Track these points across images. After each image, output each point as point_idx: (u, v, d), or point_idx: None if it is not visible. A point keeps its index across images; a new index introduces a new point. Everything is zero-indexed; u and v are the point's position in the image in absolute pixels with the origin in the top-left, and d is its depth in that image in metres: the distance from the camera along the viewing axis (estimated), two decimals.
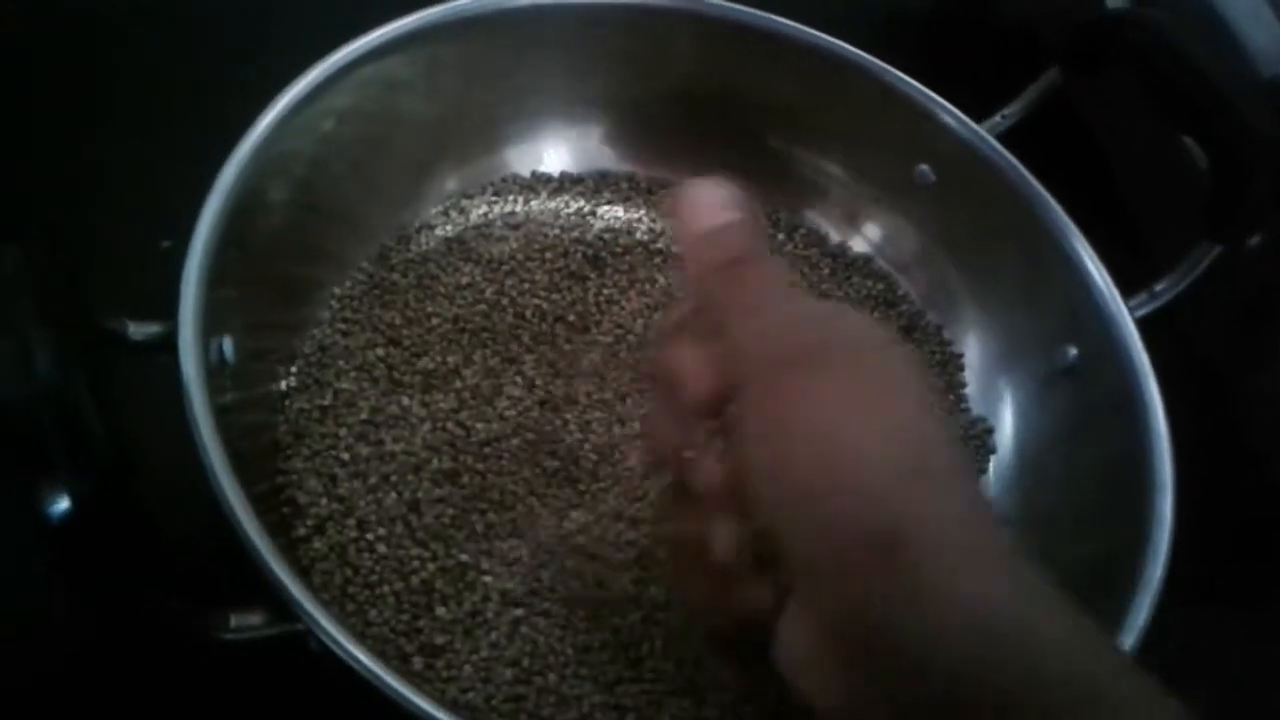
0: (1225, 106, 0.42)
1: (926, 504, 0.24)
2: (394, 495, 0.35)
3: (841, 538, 0.24)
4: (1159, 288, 0.43)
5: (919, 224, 0.47)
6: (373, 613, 0.33)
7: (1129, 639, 0.34)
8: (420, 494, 0.36)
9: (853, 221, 0.48)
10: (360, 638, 0.32)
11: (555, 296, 0.42)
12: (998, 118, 0.46)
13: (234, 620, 0.27)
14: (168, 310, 0.32)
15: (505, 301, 0.42)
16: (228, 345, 0.34)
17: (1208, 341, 0.48)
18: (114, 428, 0.27)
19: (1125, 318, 0.41)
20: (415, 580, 0.33)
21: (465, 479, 0.36)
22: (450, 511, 0.35)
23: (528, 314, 0.42)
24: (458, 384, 0.39)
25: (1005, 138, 0.45)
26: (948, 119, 0.45)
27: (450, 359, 0.40)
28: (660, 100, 0.47)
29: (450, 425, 0.38)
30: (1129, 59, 0.44)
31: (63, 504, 0.23)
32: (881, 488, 0.24)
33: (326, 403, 0.38)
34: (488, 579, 0.34)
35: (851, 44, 0.45)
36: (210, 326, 0.33)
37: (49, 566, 0.24)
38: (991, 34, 0.54)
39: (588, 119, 0.47)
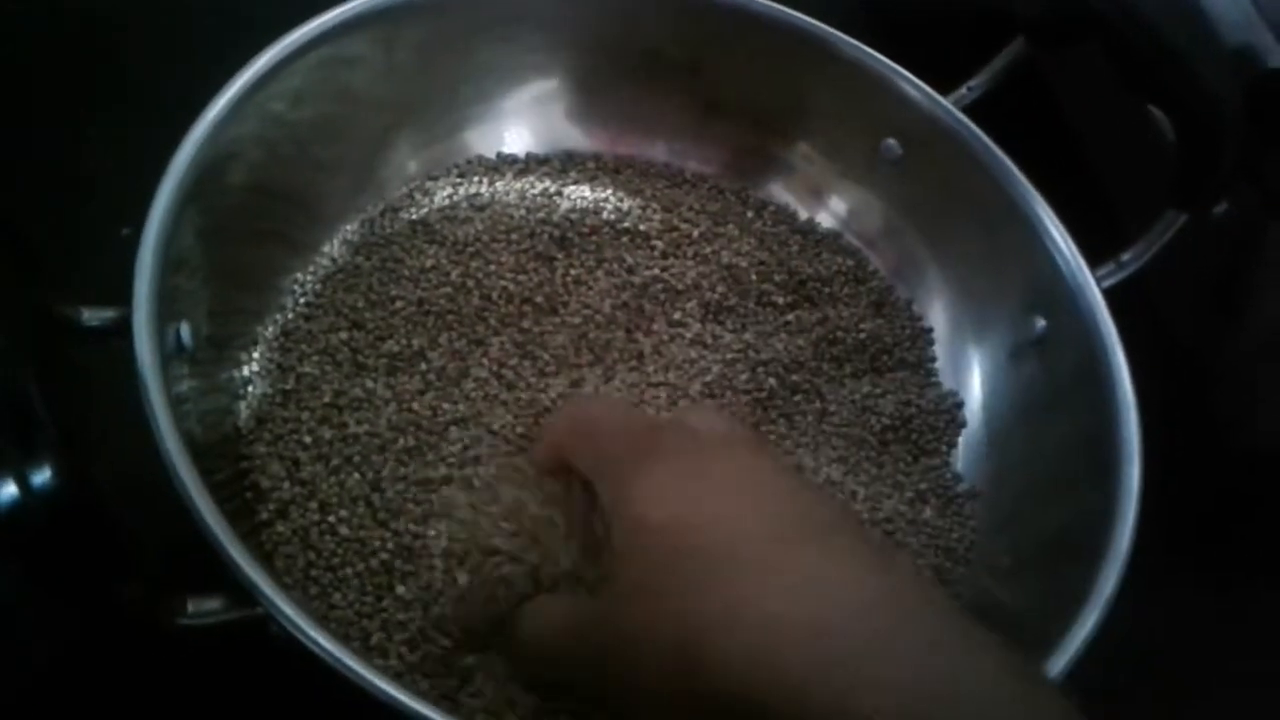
0: (1190, 76, 0.42)
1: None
2: (356, 476, 0.35)
3: None
4: (1125, 257, 0.43)
5: (886, 198, 0.47)
6: (336, 595, 0.33)
7: (1096, 610, 0.34)
8: (384, 472, 0.35)
9: (819, 197, 0.48)
10: (324, 621, 0.32)
11: (522, 278, 0.42)
12: (963, 90, 0.46)
13: (192, 605, 0.27)
14: (126, 295, 0.32)
15: (471, 284, 0.41)
16: (185, 331, 0.34)
17: (1174, 310, 0.48)
18: (71, 414, 0.27)
19: (1092, 288, 0.41)
20: (375, 561, 0.33)
21: (430, 456, 0.36)
22: (414, 488, 0.35)
23: (494, 296, 0.41)
24: (423, 366, 0.39)
25: (971, 110, 0.45)
26: (913, 92, 0.45)
27: (415, 341, 0.39)
28: (626, 78, 0.47)
29: (415, 406, 0.37)
30: (1095, 30, 0.44)
31: (10, 491, 0.23)
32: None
33: (289, 387, 0.37)
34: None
35: (816, 18, 0.45)
36: (167, 312, 0.33)
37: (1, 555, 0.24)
38: (956, 6, 0.54)
39: (552, 98, 0.47)
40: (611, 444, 0.31)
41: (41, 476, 0.23)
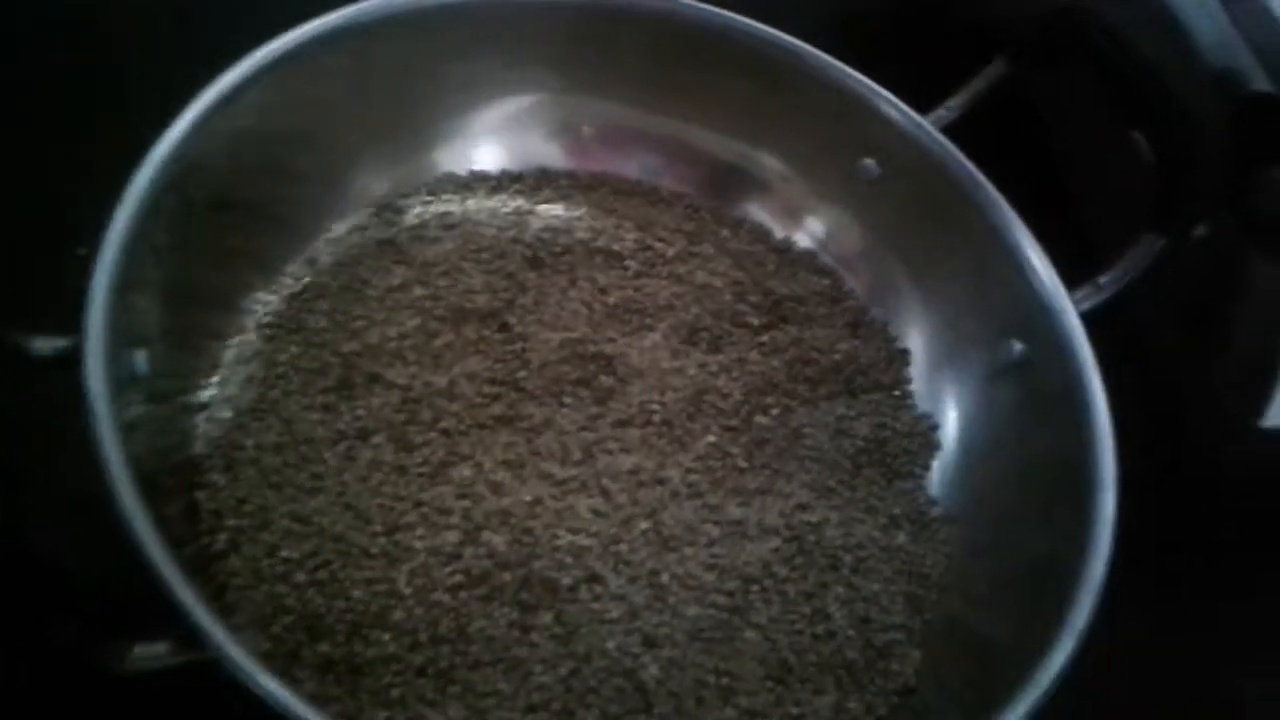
0: (1169, 99, 0.42)
1: None
2: (313, 503, 0.34)
3: None
4: (1103, 280, 0.42)
5: (863, 219, 0.46)
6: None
7: (1070, 641, 0.33)
8: (345, 499, 0.35)
9: (796, 216, 0.47)
10: (275, 657, 0.31)
11: (491, 298, 0.41)
12: (941, 110, 0.45)
13: (138, 650, 0.26)
14: (77, 323, 0.31)
15: (440, 306, 0.41)
16: (140, 358, 0.33)
17: (1153, 335, 0.47)
18: (15, 443, 0.26)
19: (1069, 312, 0.41)
20: (333, 588, 0.33)
21: (393, 479, 0.35)
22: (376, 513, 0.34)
23: (463, 315, 0.41)
24: (386, 391, 0.38)
25: (950, 130, 0.44)
26: (891, 112, 0.44)
27: (379, 365, 0.39)
28: (600, 96, 0.46)
29: (376, 433, 0.37)
30: (1075, 52, 0.43)
31: None
32: None
33: (246, 411, 0.37)
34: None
35: (794, 36, 0.45)
36: (122, 338, 0.32)
37: None
38: (936, 26, 0.54)
39: (526, 115, 0.46)
40: None
41: None
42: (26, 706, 0.28)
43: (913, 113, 0.44)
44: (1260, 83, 0.42)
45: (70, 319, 0.31)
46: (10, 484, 0.24)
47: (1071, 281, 0.41)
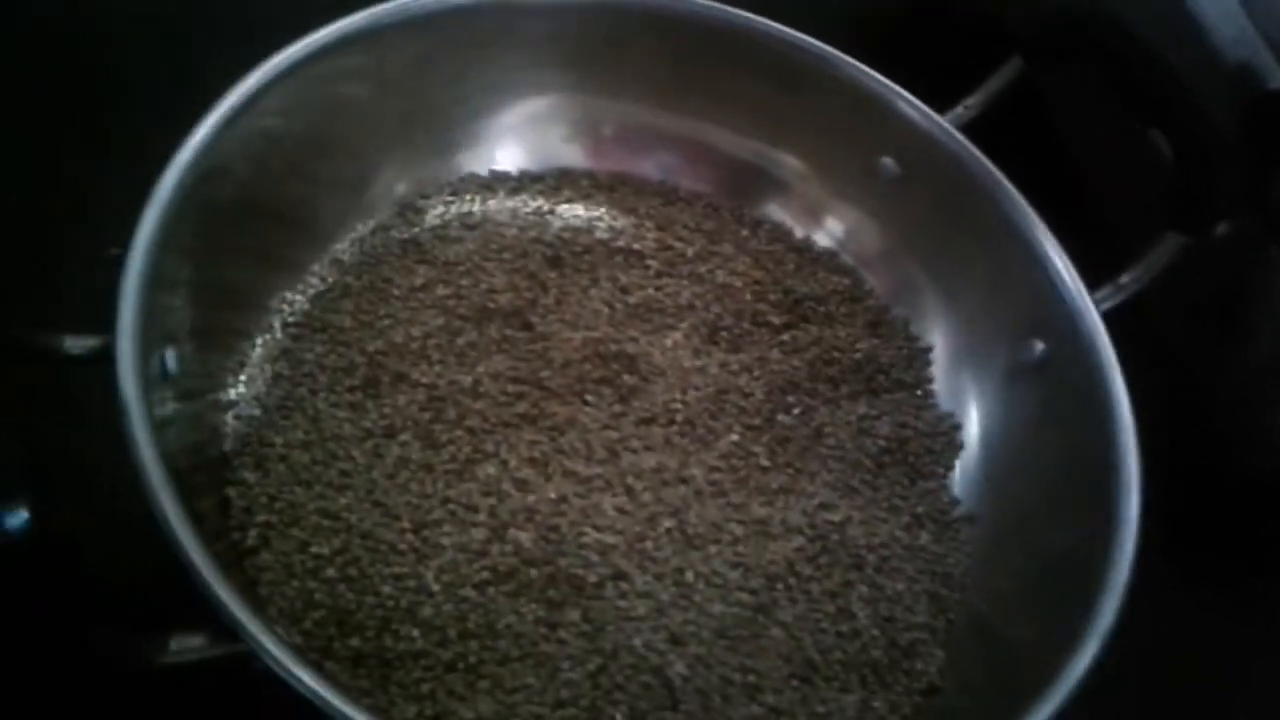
0: (1188, 98, 0.42)
1: None
2: (343, 500, 0.35)
3: None
4: (1124, 280, 0.42)
5: (883, 217, 0.46)
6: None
7: (1094, 643, 0.33)
8: (374, 495, 0.35)
9: (816, 216, 0.47)
10: (307, 651, 0.31)
11: (513, 297, 0.41)
12: (960, 109, 0.45)
13: (175, 644, 0.27)
14: (107, 323, 0.31)
15: (463, 305, 0.41)
16: (170, 356, 0.33)
17: (1174, 333, 0.47)
18: (50, 443, 0.26)
19: (1091, 310, 0.41)
20: (363, 583, 0.33)
21: (420, 475, 0.36)
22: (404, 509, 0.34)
23: (486, 314, 0.41)
24: (411, 389, 0.38)
25: (968, 129, 0.44)
26: (910, 111, 0.44)
27: (404, 364, 0.39)
28: (619, 96, 0.46)
29: (403, 430, 0.37)
30: (1093, 50, 0.43)
31: None
32: None
33: (274, 409, 0.37)
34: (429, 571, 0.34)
35: (812, 36, 0.45)
36: (152, 337, 0.32)
37: None
38: (953, 25, 0.54)
39: (545, 116, 0.46)
40: None
41: (17, 519, 0.23)
42: (63, 701, 0.28)
43: (931, 112, 0.44)
44: (1277, 79, 0.42)
45: (101, 319, 0.32)
46: (46, 480, 0.24)
47: (1092, 280, 0.41)
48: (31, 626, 0.24)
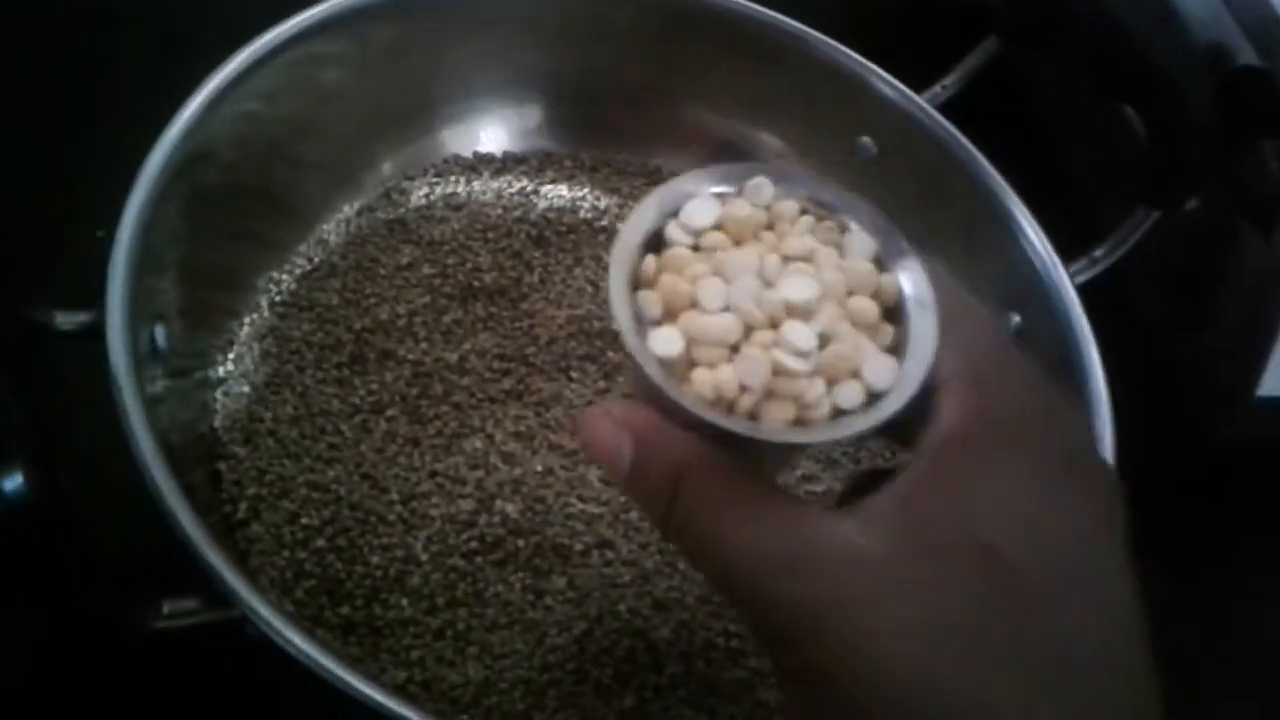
0: (1161, 76, 0.42)
1: None
2: (331, 472, 0.35)
3: None
4: (1098, 253, 0.43)
5: (861, 195, 0.47)
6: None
7: None
8: (366, 469, 0.35)
9: None
10: (299, 619, 0.32)
11: (498, 276, 0.42)
12: (937, 88, 0.46)
13: (168, 607, 0.27)
14: (97, 300, 0.32)
15: (449, 284, 0.41)
16: (160, 333, 0.34)
17: (1147, 306, 0.48)
18: (45, 416, 0.27)
19: (1065, 284, 0.41)
20: (352, 553, 0.33)
21: (407, 449, 0.36)
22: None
23: (471, 292, 0.41)
24: (398, 366, 0.39)
25: (946, 108, 0.45)
26: (887, 90, 0.45)
27: (390, 340, 0.39)
28: (600, 77, 0.47)
29: (389, 404, 0.38)
30: (1068, 29, 0.44)
31: None
32: None
33: (262, 386, 0.37)
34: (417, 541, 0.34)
35: (790, 16, 0.45)
36: (141, 314, 0.33)
37: None
38: (930, 4, 0.54)
39: (529, 98, 0.47)
40: None
41: (13, 482, 0.23)
42: (58, 663, 0.29)
43: (909, 91, 0.45)
44: (1248, 57, 0.43)
45: (91, 296, 0.32)
46: (45, 450, 0.24)
47: (1067, 254, 0.42)
48: (28, 589, 0.24)
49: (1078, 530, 0.24)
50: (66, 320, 0.31)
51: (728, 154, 0.48)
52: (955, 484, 0.23)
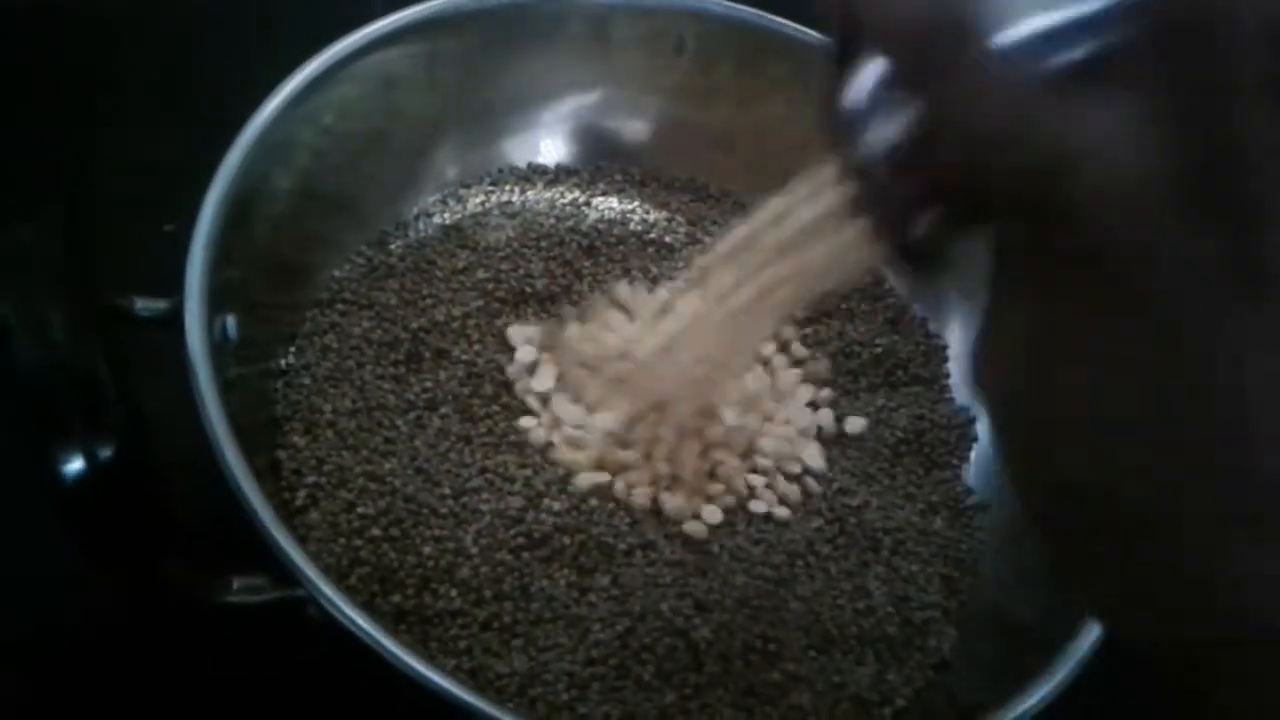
0: None
1: None
2: (387, 465, 0.36)
3: None
4: None
5: None
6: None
7: (1096, 629, 0.34)
8: (420, 463, 0.37)
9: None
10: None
11: (549, 283, 0.43)
12: None
13: (238, 583, 0.28)
14: (172, 288, 0.33)
15: (501, 289, 0.43)
16: (231, 323, 0.35)
17: None
18: (126, 397, 0.28)
19: None
20: (405, 544, 0.35)
21: (460, 445, 0.37)
22: (445, 477, 0.36)
23: (523, 298, 0.43)
24: (452, 364, 0.40)
25: None
26: None
27: (445, 338, 0.41)
28: (655, 96, 0.48)
29: (448, 400, 0.39)
30: None
31: (77, 465, 0.24)
32: None
33: (323, 379, 0.39)
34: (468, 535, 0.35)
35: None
36: (214, 304, 0.34)
37: (62, 526, 0.25)
38: None
39: (584, 112, 0.48)
40: None
41: (106, 453, 0.24)
42: (134, 626, 0.30)
43: None
44: None
45: (162, 287, 0.34)
46: (132, 430, 0.26)
47: None
48: (115, 551, 0.25)
49: None
50: (146, 307, 0.33)
51: (775, 173, 0.49)
52: None
